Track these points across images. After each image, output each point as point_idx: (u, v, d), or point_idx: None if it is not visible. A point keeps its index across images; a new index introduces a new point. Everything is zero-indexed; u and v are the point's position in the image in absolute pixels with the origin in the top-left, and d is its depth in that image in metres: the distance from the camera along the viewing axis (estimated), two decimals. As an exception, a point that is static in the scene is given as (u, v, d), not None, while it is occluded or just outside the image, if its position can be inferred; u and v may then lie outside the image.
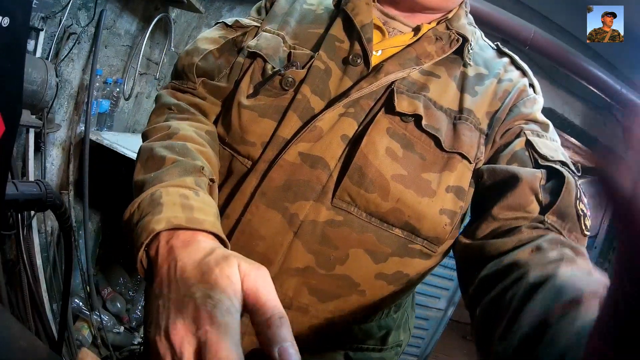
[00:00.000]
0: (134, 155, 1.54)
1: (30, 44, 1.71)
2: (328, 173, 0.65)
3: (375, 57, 0.70)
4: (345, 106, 0.66)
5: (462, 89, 0.70)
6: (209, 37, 0.79)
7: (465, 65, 0.72)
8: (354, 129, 0.66)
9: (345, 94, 0.67)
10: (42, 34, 1.74)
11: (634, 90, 2.60)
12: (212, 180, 0.62)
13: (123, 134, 2.37)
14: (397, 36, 0.73)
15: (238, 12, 2.75)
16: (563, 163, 0.63)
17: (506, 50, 0.79)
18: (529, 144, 0.65)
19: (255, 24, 0.79)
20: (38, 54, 1.76)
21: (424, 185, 0.65)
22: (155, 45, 2.52)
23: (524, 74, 0.76)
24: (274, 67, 0.70)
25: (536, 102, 0.73)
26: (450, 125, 0.67)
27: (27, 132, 1.79)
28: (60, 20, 1.81)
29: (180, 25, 2.65)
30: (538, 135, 0.67)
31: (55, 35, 1.82)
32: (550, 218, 0.59)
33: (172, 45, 2.58)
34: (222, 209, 0.68)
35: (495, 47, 0.80)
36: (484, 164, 0.68)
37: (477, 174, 0.67)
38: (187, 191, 0.54)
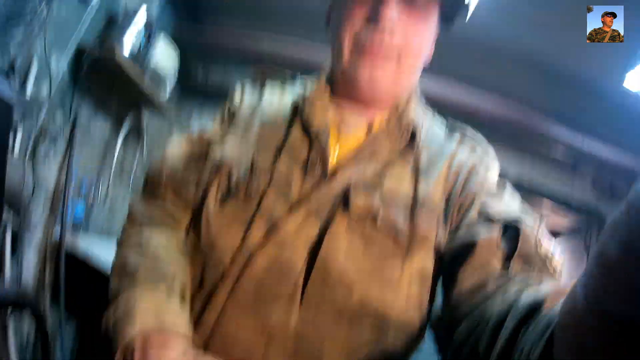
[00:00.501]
0: (108, 267, 1.50)
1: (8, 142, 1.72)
2: (295, 276, 0.66)
3: (333, 158, 0.73)
4: (306, 210, 0.68)
5: (416, 177, 0.72)
6: (175, 149, 0.82)
7: (418, 152, 0.75)
8: (316, 232, 0.68)
9: (306, 198, 0.69)
10: (19, 133, 1.77)
11: (596, 142, 2.78)
12: (183, 287, 0.67)
13: (98, 236, 2.31)
14: (352, 136, 0.76)
15: (209, 113, 2.90)
16: (520, 216, 0.65)
17: (457, 126, 0.83)
18: (483, 211, 0.68)
19: (219, 134, 0.82)
20: (15, 152, 1.76)
21: (387, 276, 0.66)
22: (129, 149, 2.57)
23: (476, 146, 0.80)
24: (238, 177, 0.73)
25: (489, 170, 0.77)
26: (407, 214, 0.69)
27: (4, 230, 1.71)
28: (37, 120, 1.85)
29: (153, 131, 2.75)
30: (492, 200, 0.70)
31: (31, 134, 1.84)
32: (515, 268, 0.60)
33: (144, 148, 2.65)
34: (197, 316, 0.68)
35: (447, 125, 0.84)
36: (447, 243, 0.70)
37: (439, 255, 0.70)
38: (159, 296, 0.61)
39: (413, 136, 0.75)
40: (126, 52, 2.15)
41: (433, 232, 0.69)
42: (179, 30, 2.85)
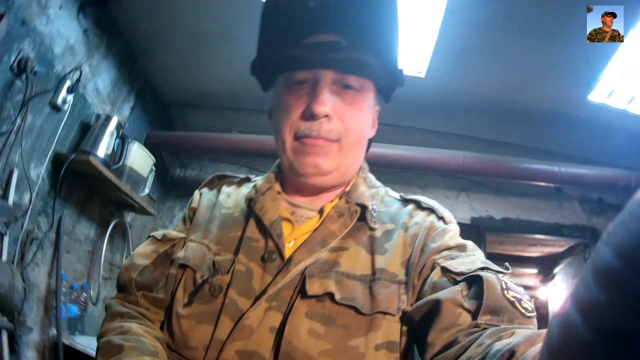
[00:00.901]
0: None
1: (-5, 247, 1.76)
2: None
3: (289, 247, 0.75)
4: (268, 300, 0.70)
5: (372, 252, 0.74)
6: (142, 252, 0.85)
7: (371, 228, 0.77)
8: (279, 319, 0.70)
9: (266, 290, 0.71)
10: (5, 238, 1.82)
11: (573, 163, 2.81)
12: None
13: (94, 337, 2.25)
14: (305, 223, 0.79)
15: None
16: (483, 268, 0.65)
17: (411, 197, 0.86)
18: (444, 270, 0.68)
19: (182, 235, 0.86)
20: (4, 258, 1.79)
21: (352, 352, 0.67)
22: (116, 249, 2.61)
23: (431, 211, 0.81)
24: (202, 276, 0.75)
25: (446, 232, 0.76)
26: (366, 289, 0.70)
27: (0, 333, 1.69)
28: (22, 225, 1.91)
29: (137, 228, 2.80)
30: (452, 258, 0.70)
31: (18, 240, 1.89)
32: (483, 319, 0.59)
33: (131, 248, 2.68)
34: None
35: (400, 198, 0.86)
36: (412, 309, 0.70)
37: (406, 320, 0.70)
38: None
39: (363, 215, 0.77)
40: (101, 156, 2.28)
41: (395, 302, 0.70)
42: (152, 136, 3.05)
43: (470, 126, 3.06)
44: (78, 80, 2.16)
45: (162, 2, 2.31)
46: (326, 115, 0.74)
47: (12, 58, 1.74)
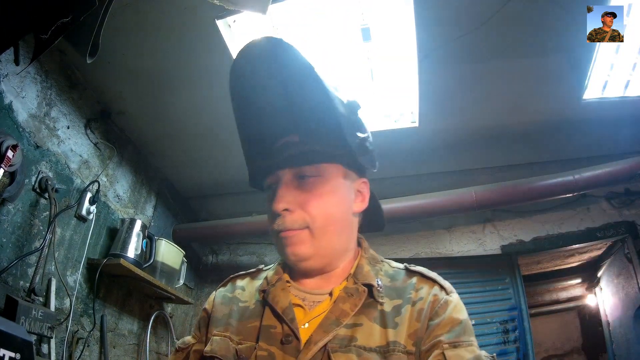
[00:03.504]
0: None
1: (44, 347, 1.90)
2: None
3: (304, 330, 0.82)
4: None
5: (384, 326, 0.81)
6: None
7: (380, 303, 0.84)
8: None
9: None
10: (52, 341, 1.96)
11: (585, 167, 2.71)
12: None
13: None
14: (316, 307, 0.86)
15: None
16: (476, 358, 0.76)
17: (414, 269, 0.93)
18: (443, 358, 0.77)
19: (193, 341, 0.97)
20: (52, 358, 1.92)
21: None
22: (160, 339, 2.71)
23: (433, 282, 0.89)
24: None
25: (448, 304, 0.84)
26: (382, 359, 0.77)
27: None
28: (67, 327, 2.07)
29: (179, 316, 2.91)
30: (454, 347, 0.78)
31: (64, 340, 2.03)
32: None
33: (174, 336, 2.78)
34: None
35: (404, 268, 0.94)
36: None
37: None
38: None
39: (370, 293, 0.85)
40: (131, 257, 2.48)
41: None
42: (179, 230, 3.27)
43: (477, 159, 3.08)
44: (97, 190, 2.42)
45: (163, 107, 2.57)
46: (287, 209, 0.85)
47: (33, 180, 2.00)
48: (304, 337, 0.80)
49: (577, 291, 4.39)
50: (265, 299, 0.88)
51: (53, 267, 2.08)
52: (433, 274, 0.90)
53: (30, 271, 1.97)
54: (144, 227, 2.64)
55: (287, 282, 0.90)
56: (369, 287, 0.85)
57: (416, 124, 2.66)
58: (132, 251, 2.51)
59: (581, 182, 2.66)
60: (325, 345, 0.78)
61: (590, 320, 4.51)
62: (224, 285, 1.03)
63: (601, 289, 3.93)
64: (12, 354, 1.58)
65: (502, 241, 3.19)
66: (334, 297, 0.85)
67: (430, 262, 3.12)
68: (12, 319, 1.60)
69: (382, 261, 0.95)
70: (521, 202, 2.84)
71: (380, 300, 0.84)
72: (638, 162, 2.61)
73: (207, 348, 0.87)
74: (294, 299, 0.87)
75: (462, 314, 0.83)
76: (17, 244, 1.91)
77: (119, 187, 2.70)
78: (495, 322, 2.92)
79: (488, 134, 2.82)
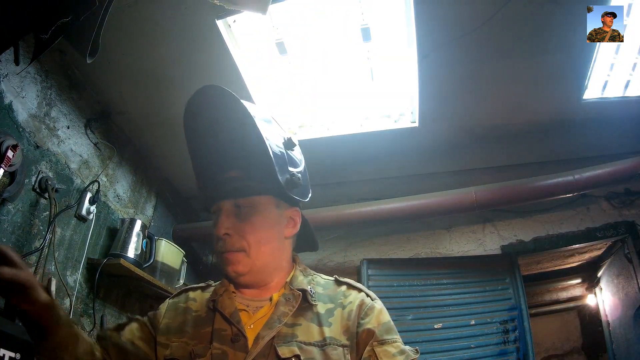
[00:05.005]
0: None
1: None
2: None
3: (250, 330, 0.98)
4: None
5: (320, 325, 0.99)
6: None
7: (314, 307, 1.03)
8: None
9: None
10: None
11: (585, 167, 2.70)
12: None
13: None
14: (259, 311, 1.03)
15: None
16: (401, 352, 0.97)
17: (343, 280, 1.13)
18: (373, 354, 0.96)
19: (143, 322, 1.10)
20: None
21: None
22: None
23: (359, 290, 1.09)
24: None
25: (374, 308, 1.04)
26: (321, 352, 0.94)
27: None
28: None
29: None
30: (381, 343, 0.98)
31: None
32: None
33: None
34: None
35: (334, 279, 1.14)
36: None
37: None
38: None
39: (305, 297, 1.02)
40: (131, 257, 2.47)
41: (342, 359, 0.95)
42: (179, 230, 3.26)
43: (477, 159, 3.08)
44: (97, 190, 2.41)
45: (163, 107, 2.57)
46: (227, 234, 1.01)
47: (33, 180, 2.00)
48: (250, 336, 0.96)
49: (577, 291, 4.40)
50: (215, 307, 1.02)
51: (53, 267, 2.08)
52: (359, 284, 1.10)
53: (30, 271, 1.96)
54: (144, 227, 2.64)
55: (233, 292, 1.05)
56: (303, 292, 1.03)
57: (416, 124, 2.66)
58: (132, 251, 2.51)
59: (581, 182, 2.65)
60: (271, 340, 0.94)
61: (590, 320, 4.51)
62: (177, 295, 1.15)
63: (601, 289, 3.93)
64: (12, 354, 1.58)
65: (502, 241, 3.19)
66: (274, 302, 1.02)
67: (430, 262, 3.19)
68: (12, 319, 1.60)
69: (314, 274, 1.13)
70: (521, 202, 2.85)
71: (314, 303, 1.02)
72: (638, 162, 2.60)
73: (167, 352, 0.99)
74: (240, 305, 1.02)
75: (387, 316, 1.03)
76: (17, 244, 1.91)
77: (119, 187, 2.70)
78: (495, 322, 2.92)
79: (488, 134, 2.82)
